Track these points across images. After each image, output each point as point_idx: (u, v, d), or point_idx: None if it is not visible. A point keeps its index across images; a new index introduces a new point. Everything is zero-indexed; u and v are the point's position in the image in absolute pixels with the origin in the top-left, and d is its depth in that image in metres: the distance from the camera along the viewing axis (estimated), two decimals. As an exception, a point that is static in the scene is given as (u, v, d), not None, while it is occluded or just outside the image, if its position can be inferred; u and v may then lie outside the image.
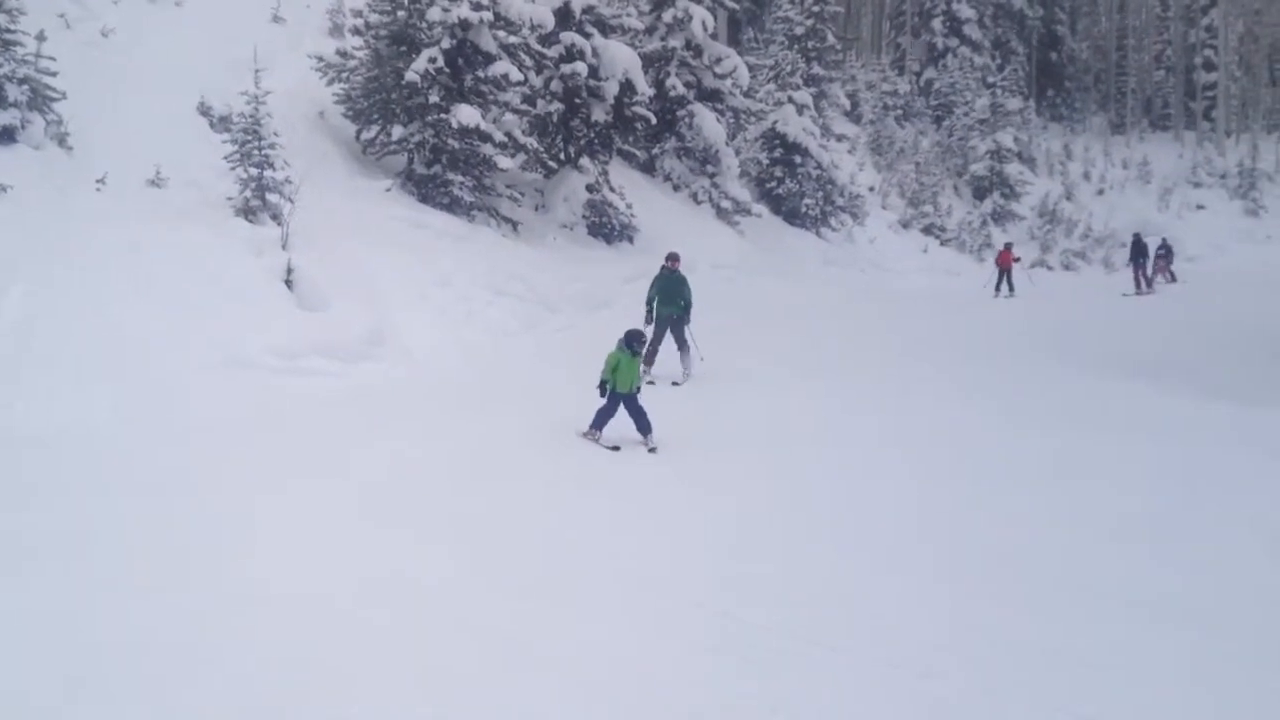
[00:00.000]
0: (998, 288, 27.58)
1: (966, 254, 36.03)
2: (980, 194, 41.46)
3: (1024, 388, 13.82)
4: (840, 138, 34.89)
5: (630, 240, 21.16)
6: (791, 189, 29.46)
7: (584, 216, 20.45)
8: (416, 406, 10.98)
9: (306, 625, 5.47)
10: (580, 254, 19.14)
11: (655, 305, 13.90)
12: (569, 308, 16.41)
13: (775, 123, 29.55)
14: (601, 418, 10.38)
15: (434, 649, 5.27)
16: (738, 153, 28.30)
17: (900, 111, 46.89)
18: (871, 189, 36.86)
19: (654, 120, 22.61)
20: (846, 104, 37.09)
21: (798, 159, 29.48)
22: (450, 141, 16.91)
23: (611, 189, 21.06)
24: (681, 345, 13.76)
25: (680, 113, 25.32)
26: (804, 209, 29.62)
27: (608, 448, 10.16)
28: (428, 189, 17.13)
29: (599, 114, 20.62)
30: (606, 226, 20.80)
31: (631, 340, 10.54)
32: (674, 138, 25.77)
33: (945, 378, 14.42)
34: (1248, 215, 44.52)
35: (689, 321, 13.88)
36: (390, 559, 6.53)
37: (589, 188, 20.45)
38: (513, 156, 18.98)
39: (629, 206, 21.17)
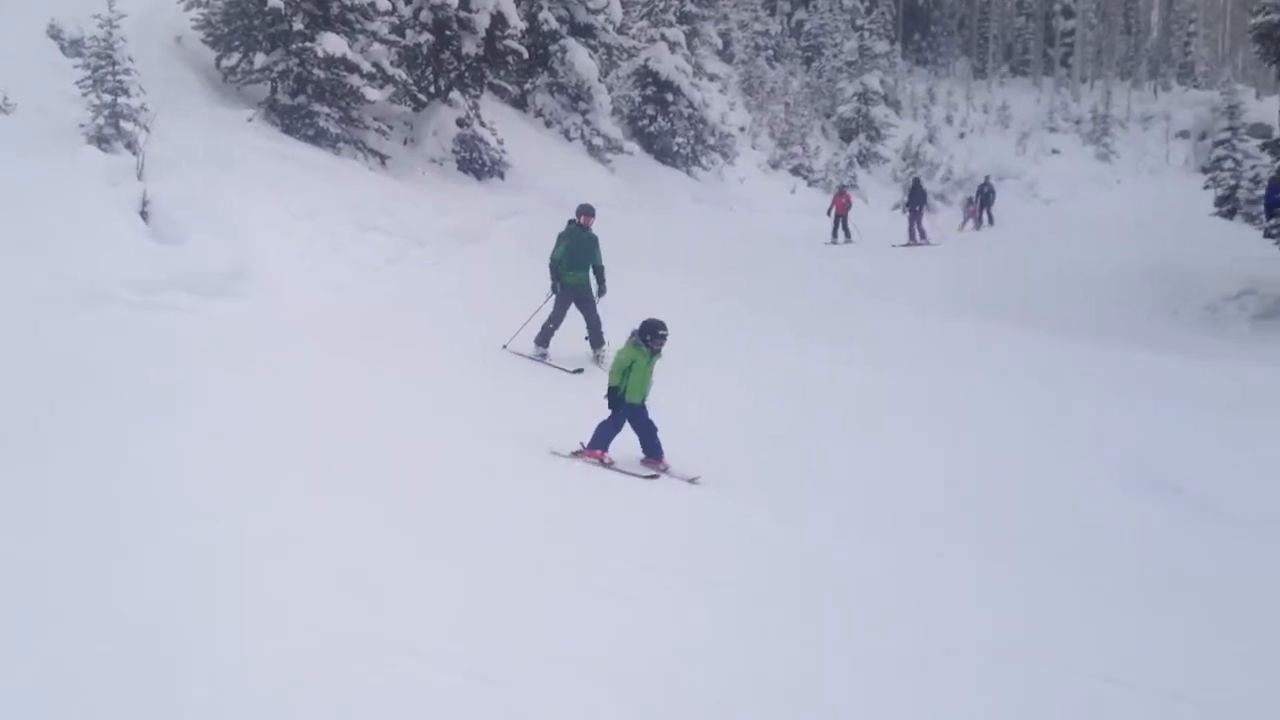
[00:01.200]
0: (834, 234, 26.68)
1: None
2: (847, 136, 42.19)
3: (886, 327, 14.34)
4: (712, 77, 35.04)
5: (501, 176, 20.98)
6: (663, 127, 29.55)
7: (454, 151, 20.17)
8: (282, 343, 10.79)
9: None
10: (450, 189, 18.92)
11: (563, 269, 11.78)
12: (438, 243, 16.25)
13: (648, 60, 29.52)
14: (605, 434, 8.57)
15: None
16: (610, 90, 28.19)
17: (771, 52, 47.22)
18: (742, 129, 37.16)
19: (526, 55, 22.35)
20: (719, 43, 37.24)
21: (670, 97, 29.55)
22: (316, 71, 16.46)
23: (483, 124, 20.80)
24: (592, 322, 11.87)
25: (553, 48, 25.08)
26: (675, 148, 29.77)
27: (645, 476, 8.38)
28: (292, 120, 16.67)
29: (470, 47, 20.27)
30: (477, 162, 20.57)
31: (650, 333, 8.64)
32: (546, 73, 25.53)
33: (814, 320, 14.82)
34: (1100, 160, 46.26)
35: (604, 291, 11.99)
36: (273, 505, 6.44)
37: (459, 122, 20.16)
38: (381, 88, 18.55)
39: (500, 142, 20.96)
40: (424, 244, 15.99)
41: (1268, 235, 20.25)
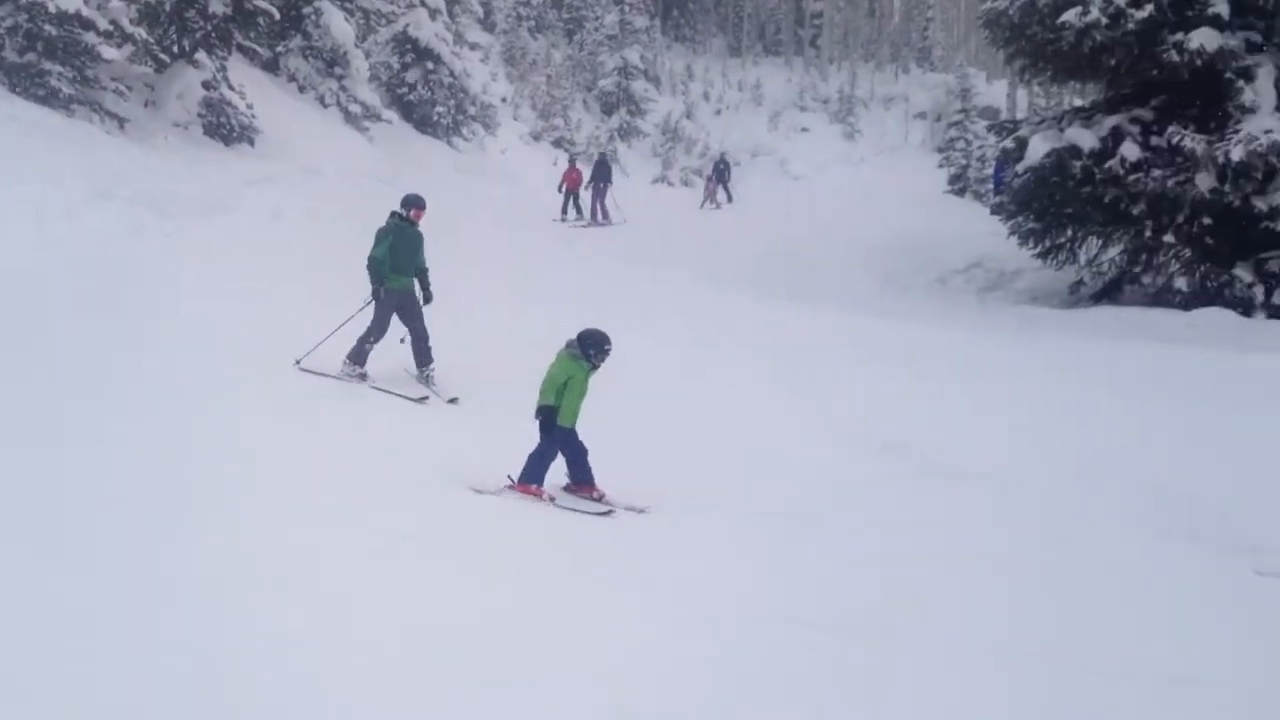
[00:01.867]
0: (564, 210, 25.17)
1: (595, 167, 37.27)
2: (608, 109, 42.81)
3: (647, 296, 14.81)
4: (474, 46, 34.80)
5: (251, 143, 20.30)
6: (423, 96, 29.23)
7: (200, 115, 19.36)
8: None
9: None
10: (195, 155, 18.18)
11: (385, 272, 9.91)
12: (181, 212, 15.60)
13: (407, 26, 29.07)
14: (539, 466, 7.59)
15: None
16: (368, 56, 27.63)
17: (533, 23, 47.32)
18: (504, 100, 37.15)
19: (277, 16, 21.59)
20: (480, 11, 36.95)
21: (430, 65, 29.23)
22: (47, 27, 15.47)
23: (231, 87, 20.06)
24: (419, 335, 10.20)
25: (306, 9, 24.38)
26: (436, 117, 29.51)
27: (594, 511, 7.51)
28: (20, 79, 15.63)
29: (216, 5, 19.45)
30: (225, 127, 19.83)
31: (595, 346, 7.62)
32: (300, 36, 24.80)
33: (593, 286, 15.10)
34: (846, 139, 48.71)
35: (431, 299, 10.31)
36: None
37: (206, 85, 19.36)
38: (119, 47, 17.57)
39: (250, 107, 20.27)
40: (167, 213, 15.31)
41: (994, 212, 22.03)
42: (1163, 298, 16.99)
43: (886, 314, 15.48)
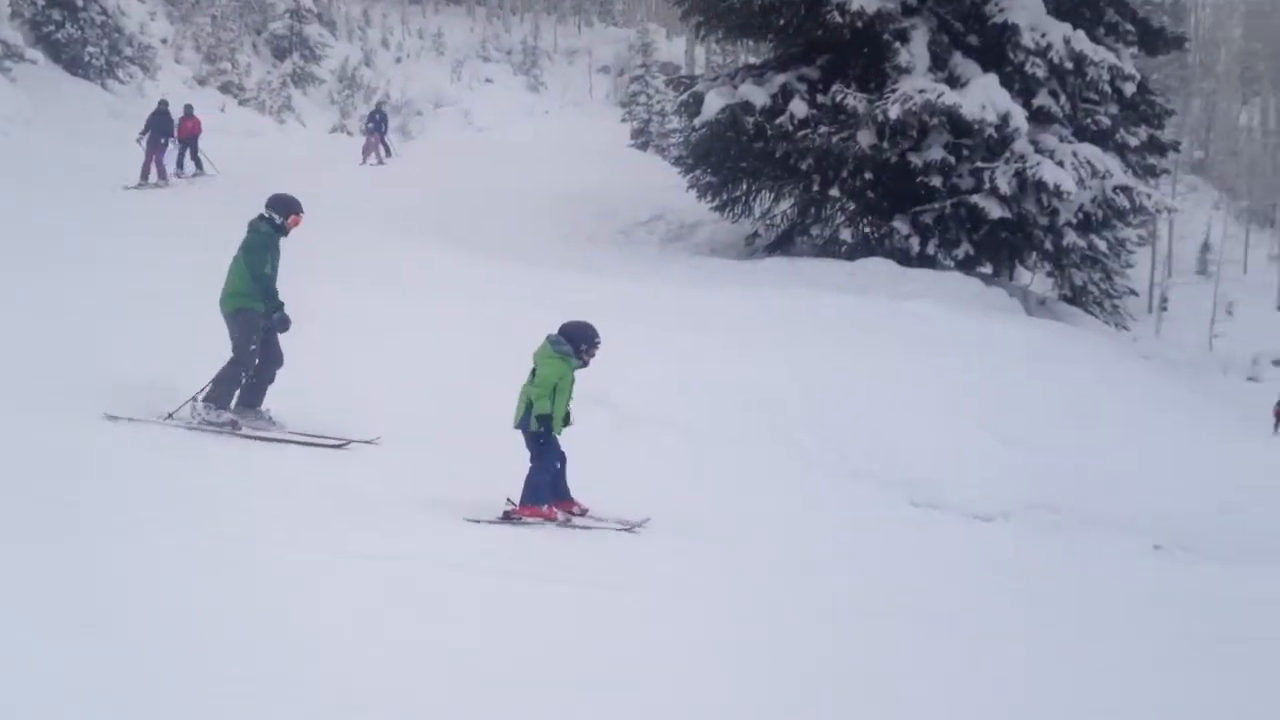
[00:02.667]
0: (180, 163, 21.16)
1: (267, 115, 35.43)
2: (280, 54, 40.69)
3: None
4: (121, -20, 32.08)
5: None
6: (72, 35, 26.70)
7: None
8: None
9: None
10: None
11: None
12: None
13: (42, -45, 26.38)
14: (546, 482, 6.85)
15: None
16: (2, -13, 24.89)
17: (193, -43, 44.14)
18: (164, 41, 34.54)
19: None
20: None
21: (80, 2, 26.74)
22: None
23: None
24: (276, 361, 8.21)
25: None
26: (87, 58, 27.04)
27: (620, 527, 6.93)
28: None
29: None
30: None
31: (586, 341, 6.94)
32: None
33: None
34: (530, 91, 48.63)
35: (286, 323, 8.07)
36: None
37: None
38: None
39: None
40: None
41: (677, 164, 22.61)
42: (830, 248, 18.12)
43: (571, 266, 15.61)
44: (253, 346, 7.85)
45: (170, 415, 7.56)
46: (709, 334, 11.85)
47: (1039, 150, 17.15)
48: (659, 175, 24.82)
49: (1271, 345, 49.53)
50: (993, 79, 16.94)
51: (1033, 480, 9.92)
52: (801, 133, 17.49)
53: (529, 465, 6.84)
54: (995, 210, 16.84)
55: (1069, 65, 17.56)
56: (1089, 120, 19.03)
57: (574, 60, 51.78)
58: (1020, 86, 17.55)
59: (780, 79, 18.18)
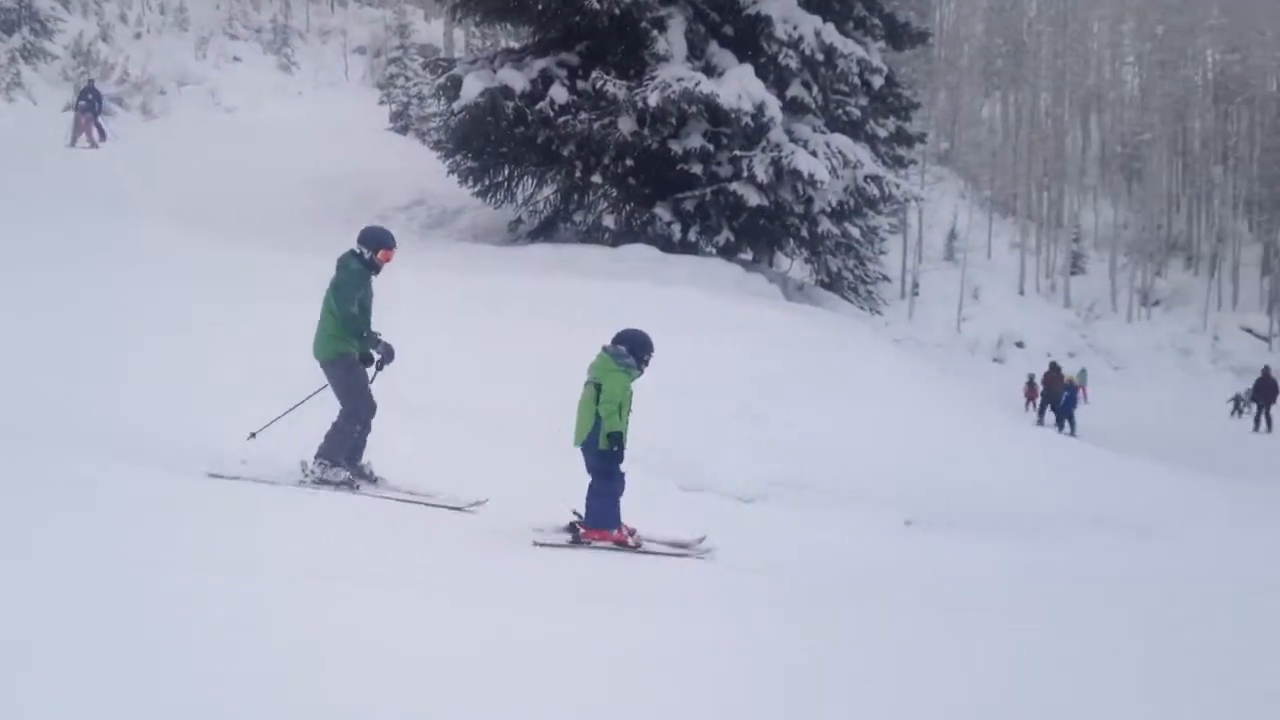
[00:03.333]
0: None
1: (-7, 92, 32.93)
2: (8, 28, 37.78)
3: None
4: None
5: None
6: None
7: None
8: None
9: None
10: None
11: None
12: None
13: None
14: (614, 503, 6.69)
15: None
16: None
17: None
18: None
19: None
20: None
21: None
22: None
23: None
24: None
25: None
26: None
27: (671, 549, 6.77)
28: None
29: None
30: None
31: (647, 350, 6.79)
32: None
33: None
34: (281, 70, 46.88)
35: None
36: None
37: None
38: None
39: None
40: None
41: (437, 148, 22.27)
42: (594, 235, 18.27)
43: (327, 251, 15.09)
44: (365, 391, 7.43)
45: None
46: (476, 318, 11.78)
47: (794, 140, 17.79)
48: (419, 159, 24.40)
49: (1014, 328, 53.28)
50: (748, 69, 17.44)
51: (792, 461, 10.32)
52: (562, 119, 17.55)
53: (591, 485, 6.70)
54: (753, 198, 17.36)
55: (820, 57, 18.28)
56: (840, 111, 19.91)
57: (328, 40, 50.24)
58: (775, 77, 18.15)
59: (540, 64, 18.18)
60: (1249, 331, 61.00)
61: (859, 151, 18.76)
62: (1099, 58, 77.38)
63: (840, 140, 18.37)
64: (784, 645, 4.65)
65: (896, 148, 22.87)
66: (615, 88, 17.22)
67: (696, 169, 17.77)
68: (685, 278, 15.51)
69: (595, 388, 6.69)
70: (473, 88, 17.66)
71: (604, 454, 6.64)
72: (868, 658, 4.69)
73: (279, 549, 5.29)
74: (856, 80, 19.34)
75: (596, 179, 18.25)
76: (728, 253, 18.58)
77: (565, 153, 17.94)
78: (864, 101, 20.48)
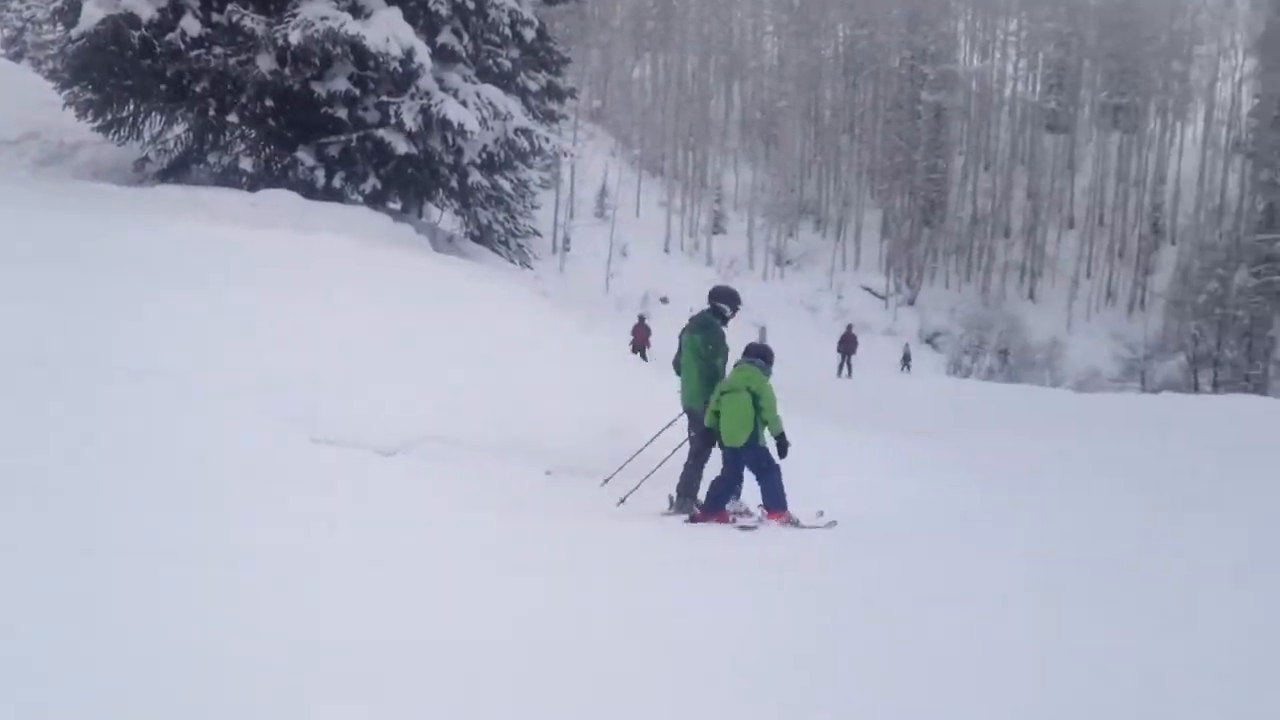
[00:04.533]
0: None
1: None
2: None
3: None
4: None
5: None
6: None
7: None
8: None
9: None
10: None
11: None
12: None
13: None
14: (781, 485, 8.25)
15: None
16: None
17: None
18: None
19: None
20: None
21: None
22: None
23: None
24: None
25: None
26: None
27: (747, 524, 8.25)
28: None
29: None
30: None
31: (770, 356, 8.83)
32: None
33: None
34: None
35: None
36: None
37: None
38: None
39: None
40: None
41: (53, 78, 20.49)
42: (230, 178, 17.48)
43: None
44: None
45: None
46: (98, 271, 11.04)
47: (444, 88, 17.73)
48: (33, 90, 22.36)
49: (659, 284, 55.75)
50: (396, 12, 17.18)
51: (432, 413, 10.41)
52: (195, 53, 16.60)
53: (760, 478, 8.30)
54: (401, 146, 17.18)
55: (471, 5, 18.28)
56: (491, 62, 20.04)
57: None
58: (424, 23, 17.98)
59: (170, -9, 17.10)
60: (869, 290, 66.93)
61: (510, 104, 18.94)
62: (742, 26, 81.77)
63: (491, 91, 18.49)
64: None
65: (548, 102, 23.25)
66: (254, 23, 16.48)
67: (342, 113, 17.35)
68: (329, 225, 15.18)
69: (750, 394, 8.23)
70: (93, 14, 16.33)
71: (763, 451, 8.26)
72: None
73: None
74: (508, 31, 19.50)
75: (233, 119, 17.40)
76: (375, 201, 18.32)
77: (198, 89, 16.98)
78: (515, 54, 20.70)
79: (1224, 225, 71.75)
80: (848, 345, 34.88)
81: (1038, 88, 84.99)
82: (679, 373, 9.71)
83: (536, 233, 34.04)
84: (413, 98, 17.20)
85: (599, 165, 60.96)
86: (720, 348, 9.27)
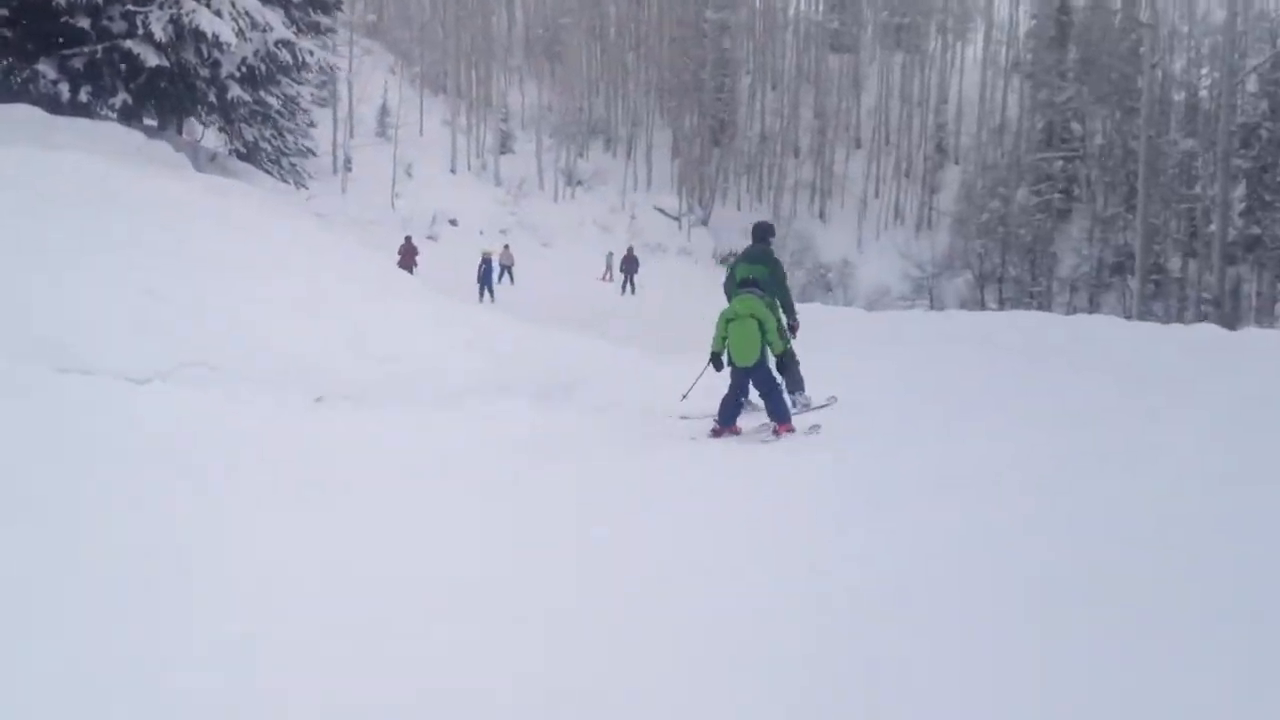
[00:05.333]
0: None
1: None
2: None
3: None
4: None
5: None
6: None
7: None
8: None
9: None
10: None
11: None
12: None
13: None
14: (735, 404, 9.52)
15: None
16: None
17: None
18: None
19: None
20: None
21: None
22: None
23: None
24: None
25: None
26: None
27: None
28: None
29: None
30: None
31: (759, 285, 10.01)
32: None
33: None
34: None
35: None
36: None
37: None
38: None
39: None
40: None
41: None
42: (-39, 92, 16.51)
43: None
44: None
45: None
46: None
47: (197, -3, 17.11)
48: None
49: (447, 205, 55.17)
50: (140, -87, 16.44)
51: (188, 338, 10.20)
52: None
53: (764, 394, 9.25)
54: (152, 58, 16.50)
55: (224, -94, 17.63)
56: (249, -31, 19.36)
57: None
58: (173, -75, 17.24)
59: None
60: (661, 211, 67.85)
61: (269, 14, 18.38)
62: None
63: (248, 1, 17.92)
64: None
65: (313, 13, 22.61)
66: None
67: (84, 23, 16.54)
68: (76, 143, 14.54)
69: (756, 321, 9.07)
70: None
71: (767, 370, 9.26)
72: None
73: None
74: (267, -64, 18.90)
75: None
76: (128, 117, 17.60)
77: (-81, -5, 15.94)
78: (275, -39, 20.07)
79: (1005, 144, 75.38)
80: (630, 265, 38.73)
81: (820, 7, 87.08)
82: (729, 297, 10.29)
83: (311, 152, 33.25)
84: (161, 7, 16.51)
85: (379, 83, 59.53)
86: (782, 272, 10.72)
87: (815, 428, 9.41)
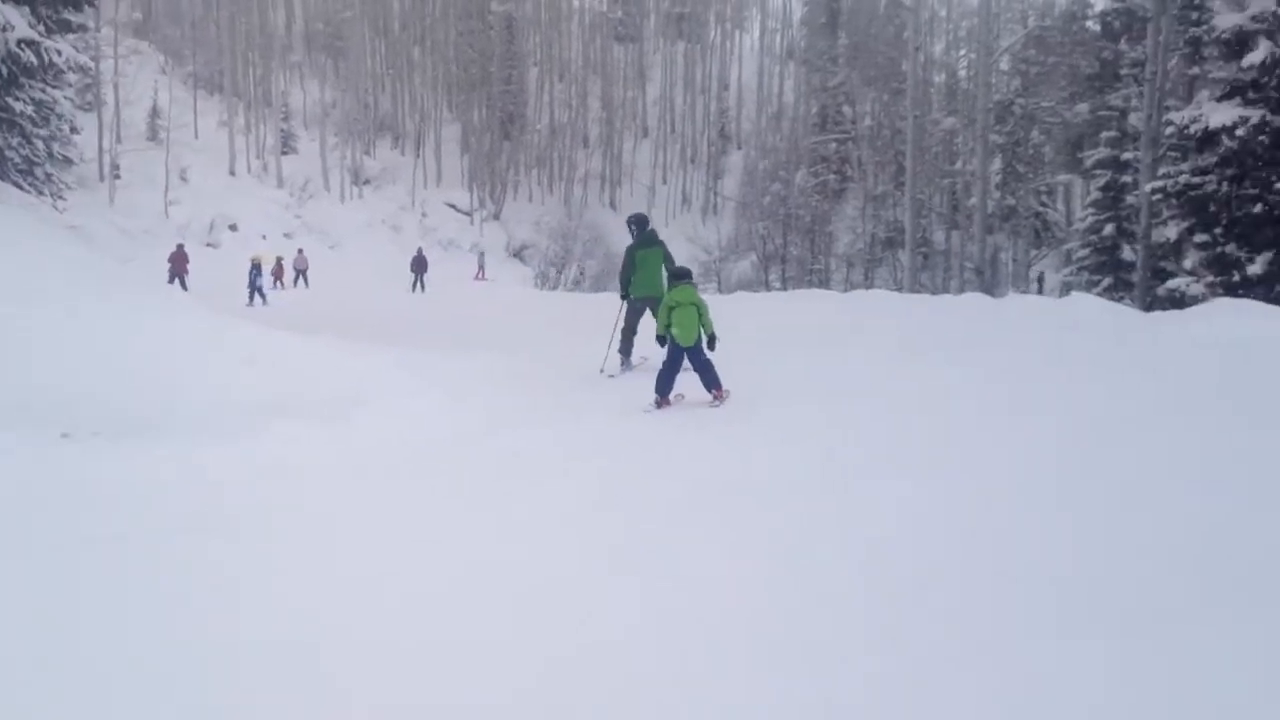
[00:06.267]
0: None
1: None
2: None
3: None
4: None
5: None
6: None
7: None
8: None
9: None
10: None
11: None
12: None
13: None
14: (670, 377, 10.70)
15: None
16: None
17: None
18: None
19: None
20: None
21: None
22: None
23: None
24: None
25: None
26: None
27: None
28: None
29: None
30: None
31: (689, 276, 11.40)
32: None
33: None
34: None
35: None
36: None
37: None
38: None
39: None
40: None
41: None
42: None
43: None
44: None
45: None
46: None
47: (-79, -6, 15.64)
48: None
49: (227, 210, 52.95)
50: None
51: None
52: None
53: (700, 367, 10.43)
54: None
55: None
56: (-16, -36, 17.83)
57: None
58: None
59: None
60: (453, 207, 66.82)
61: (10, 13, 16.99)
62: (294, -70, 77.92)
63: (-14, -1, 16.51)
64: None
65: (62, 10, 21.03)
66: None
67: None
68: None
69: (695, 308, 10.52)
70: None
71: (702, 348, 10.49)
72: None
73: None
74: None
75: None
76: None
77: None
78: (19, -44, 18.52)
79: (783, 129, 77.39)
80: (419, 266, 40.52)
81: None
82: (624, 282, 13.13)
83: (69, 160, 31.18)
84: (-122, 5, 15.03)
85: (148, 84, 56.62)
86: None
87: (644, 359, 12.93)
